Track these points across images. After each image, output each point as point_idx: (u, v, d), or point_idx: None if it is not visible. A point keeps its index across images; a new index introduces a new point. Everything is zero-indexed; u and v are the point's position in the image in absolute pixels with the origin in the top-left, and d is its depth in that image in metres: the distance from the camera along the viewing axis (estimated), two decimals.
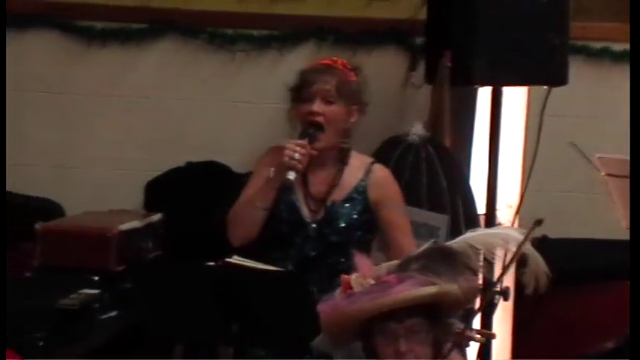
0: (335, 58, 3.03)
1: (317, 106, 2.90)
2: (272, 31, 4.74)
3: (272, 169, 2.89)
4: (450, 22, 3.60)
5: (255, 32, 4.73)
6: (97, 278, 3.64)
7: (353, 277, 2.53)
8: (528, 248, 2.57)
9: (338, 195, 2.94)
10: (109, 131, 4.75)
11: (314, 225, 2.91)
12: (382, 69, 4.42)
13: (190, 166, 4.71)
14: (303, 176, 2.96)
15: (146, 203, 4.63)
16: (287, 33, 4.73)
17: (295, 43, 4.75)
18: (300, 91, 2.95)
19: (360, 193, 2.94)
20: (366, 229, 2.94)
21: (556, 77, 3.60)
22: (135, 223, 4.00)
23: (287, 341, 2.74)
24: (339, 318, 2.50)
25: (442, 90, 3.57)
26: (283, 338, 2.74)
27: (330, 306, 2.53)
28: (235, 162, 4.73)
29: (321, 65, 3.00)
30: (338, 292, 2.55)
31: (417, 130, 3.61)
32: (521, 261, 2.63)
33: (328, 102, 2.91)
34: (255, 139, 4.82)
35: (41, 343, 3.14)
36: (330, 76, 2.94)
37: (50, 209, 4.54)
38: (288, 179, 2.84)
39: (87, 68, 4.74)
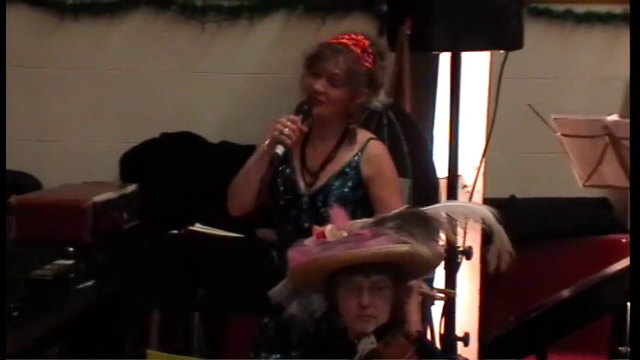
0: (359, 38, 2.95)
1: (320, 85, 2.88)
2: (242, 1, 4.79)
3: (266, 142, 2.91)
4: None
5: (225, 3, 4.79)
6: (71, 249, 3.71)
7: (328, 227, 2.56)
8: (495, 225, 2.60)
9: (332, 169, 2.95)
10: (84, 104, 4.82)
11: (307, 198, 2.94)
12: None
13: (165, 137, 4.78)
14: (302, 149, 2.98)
15: (122, 175, 4.71)
16: (257, 3, 4.79)
17: (265, 12, 4.81)
18: (312, 64, 2.91)
19: (352, 168, 2.94)
20: (359, 204, 2.93)
21: (512, 42, 3.67)
22: (109, 195, 4.07)
23: (250, 305, 2.84)
24: (309, 264, 2.53)
25: (402, 57, 3.63)
26: (246, 302, 2.83)
27: (302, 252, 2.55)
28: (209, 132, 4.81)
29: (339, 43, 2.92)
30: (309, 240, 2.57)
31: (379, 96, 3.66)
32: (489, 236, 2.65)
33: (333, 84, 2.89)
34: (228, 109, 4.91)
35: (16, 313, 3.23)
36: (343, 58, 2.87)
37: (27, 183, 4.61)
38: (276, 153, 2.85)
39: (59, 42, 4.80)
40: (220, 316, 3.78)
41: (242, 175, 2.99)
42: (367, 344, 2.49)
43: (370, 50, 2.95)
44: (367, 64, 2.93)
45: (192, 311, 2.89)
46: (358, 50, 2.92)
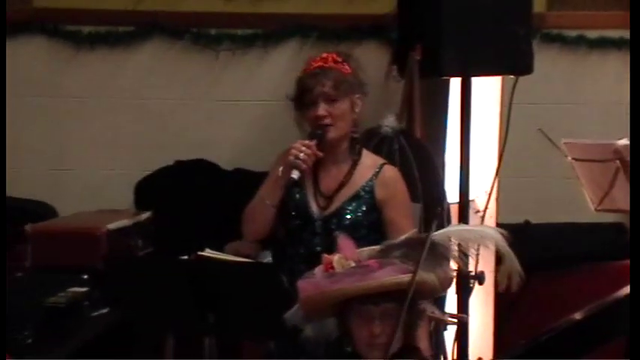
0: (325, 56, 3.08)
1: (321, 110, 2.97)
2: (256, 29, 4.84)
3: (281, 167, 2.96)
4: (418, 16, 3.69)
5: (239, 31, 4.84)
6: (86, 276, 3.74)
7: (335, 257, 2.59)
8: (504, 247, 2.62)
9: (346, 192, 3.00)
10: (100, 133, 4.86)
11: (320, 221, 2.98)
12: (365, 64, 4.50)
13: (179, 164, 4.82)
14: (314, 172, 3.03)
15: (137, 202, 4.74)
16: (271, 31, 4.83)
17: (279, 40, 4.85)
18: (302, 98, 3.02)
19: (367, 192, 2.99)
20: (372, 228, 2.99)
21: (522, 67, 3.68)
22: (124, 222, 4.10)
23: (260, 329, 2.85)
24: (318, 296, 2.56)
25: (412, 82, 3.66)
26: (256, 326, 2.84)
27: (311, 284, 2.59)
28: (223, 159, 4.84)
29: (315, 69, 3.05)
30: (318, 270, 2.62)
31: (390, 122, 3.69)
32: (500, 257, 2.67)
33: (331, 101, 2.98)
34: (243, 136, 4.94)
35: (30, 341, 3.24)
36: (325, 77, 3.00)
37: (44, 211, 4.65)
38: (292, 178, 2.92)
39: (76, 72, 4.85)
40: (231, 340, 3.78)
41: (257, 201, 3.03)
42: None
43: (340, 59, 3.07)
44: (345, 70, 3.04)
45: (204, 335, 2.90)
46: (332, 64, 3.04)
